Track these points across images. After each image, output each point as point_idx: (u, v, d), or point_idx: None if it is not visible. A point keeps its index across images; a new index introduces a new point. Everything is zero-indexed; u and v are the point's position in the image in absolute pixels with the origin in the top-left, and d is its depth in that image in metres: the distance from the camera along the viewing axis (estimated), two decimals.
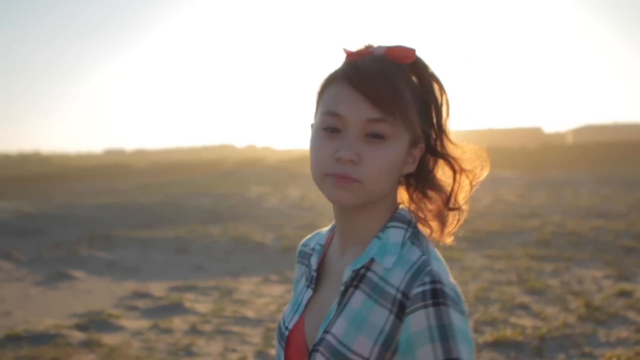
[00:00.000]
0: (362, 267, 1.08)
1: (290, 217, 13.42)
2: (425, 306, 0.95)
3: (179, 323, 6.28)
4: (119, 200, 16.72)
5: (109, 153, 50.24)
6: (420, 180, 1.16)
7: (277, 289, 7.62)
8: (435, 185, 1.15)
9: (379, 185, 1.06)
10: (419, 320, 0.95)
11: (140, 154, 48.05)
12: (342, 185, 1.04)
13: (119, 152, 51.09)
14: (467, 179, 1.15)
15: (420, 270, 1.01)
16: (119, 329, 6.14)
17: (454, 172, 1.14)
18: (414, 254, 1.05)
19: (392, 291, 1.01)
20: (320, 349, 1.05)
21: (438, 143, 1.13)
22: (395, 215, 1.12)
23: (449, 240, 1.16)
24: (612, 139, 33.18)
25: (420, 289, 0.97)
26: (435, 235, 1.15)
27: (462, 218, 1.16)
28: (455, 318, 0.95)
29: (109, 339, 5.80)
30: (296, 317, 1.17)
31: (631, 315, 5.96)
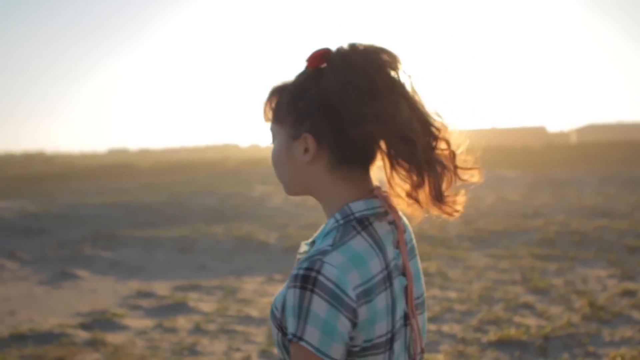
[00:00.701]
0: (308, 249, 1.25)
1: (295, 217, 13.42)
2: (294, 287, 1.10)
3: (183, 322, 6.29)
4: (123, 199, 16.74)
5: (112, 153, 50.21)
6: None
7: (281, 289, 7.63)
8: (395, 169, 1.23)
9: (280, 177, 1.30)
10: (289, 296, 1.11)
11: (144, 153, 48.01)
12: None
13: (123, 152, 51.06)
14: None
15: (311, 256, 1.12)
16: (123, 328, 6.16)
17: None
18: (326, 243, 1.16)
19: (295, 270, 1.14)
20: None
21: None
22: (342, 209, 1.20)
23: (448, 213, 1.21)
24: (616, 138, 33.01)
25: (295, 272, 1.12)
26: (414, 210, 1.22)
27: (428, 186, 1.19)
28: (316, 303, 1.07)
29: (114, 338, 5.82)
30: None
31: (635, 314, 5.95)
